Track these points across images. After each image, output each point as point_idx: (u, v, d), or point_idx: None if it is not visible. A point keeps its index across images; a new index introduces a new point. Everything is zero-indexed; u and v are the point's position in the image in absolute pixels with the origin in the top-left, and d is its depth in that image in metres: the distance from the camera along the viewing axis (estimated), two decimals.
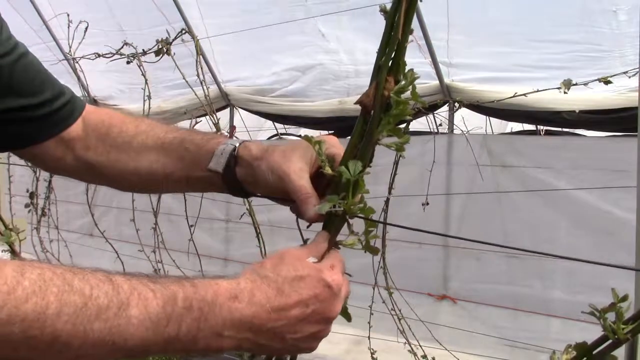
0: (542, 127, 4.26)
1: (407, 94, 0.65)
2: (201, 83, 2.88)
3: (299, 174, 0.72)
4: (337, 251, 0.71)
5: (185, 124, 4.94)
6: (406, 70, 0.62)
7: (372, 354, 2.80)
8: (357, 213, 0.69)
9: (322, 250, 0.69)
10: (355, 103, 0.64)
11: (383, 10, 0.62)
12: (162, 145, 0.86)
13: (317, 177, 0.75)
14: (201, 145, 0.83)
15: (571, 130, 3.87)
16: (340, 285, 0.65)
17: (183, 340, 0.57)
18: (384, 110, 0.65)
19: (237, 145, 0.82)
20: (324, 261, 0.67)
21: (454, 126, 3.86)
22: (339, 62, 4.14)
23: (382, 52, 0.62)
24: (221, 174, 0.80)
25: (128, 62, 3.10)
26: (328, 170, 0.66)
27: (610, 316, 0.74)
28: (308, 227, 0.73)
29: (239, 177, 0.80)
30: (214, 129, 3.15)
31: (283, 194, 0.75)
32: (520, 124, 4.45)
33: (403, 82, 0.61)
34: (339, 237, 0.73)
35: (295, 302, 0.62)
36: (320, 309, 0.63)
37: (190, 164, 0.83)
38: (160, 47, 2.79)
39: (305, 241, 0.73)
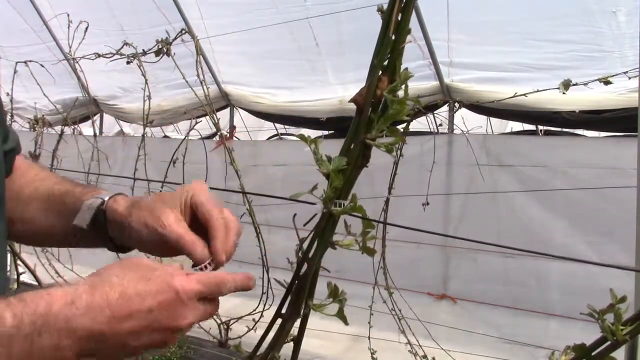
0: (541, 127, 4.26)
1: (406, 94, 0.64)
2: (201, 83, 2.88)
3: (177, 224, 0.70)
4: (224, 274, 0.66)
5: (185, 123, 4.94)
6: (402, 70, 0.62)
7: (372, 353, 2.80)
8: (332, 209, 0.67)
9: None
10: (349, 102, 0.64)
11: (380, 9, 0.62)
12: (48, 198, 0.83)
13: (194, 224, 0.73)
14: (78, 199, 0.79)
15: (571, 130, 3.87)
16: (190, 293, 0.60)
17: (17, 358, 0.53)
18: (381, 110, 0.65)
19: (107, 199, 0.77)
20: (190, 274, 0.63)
21: (454, 126, 3.86)
22: None
23: (377, 51, 0.62)
24: (86, 230, 0.76)
25: (128, 62, 3.10)
26: (323, 169, 0.65)
27: (609, 317, 0.74)
28: (305, 225, 0.73)
29: (111, 234, 0.76)
30: (214, 129, 3.15)
31: (159, 247, 0.72)
32: (520, 124, 4.45)
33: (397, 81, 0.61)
34: (337, 237, 0.72)
35: (137, 308, 0.57)
36: (164, 317, 0.59)
37: (68, 218, 0.78)
38: (160, 47, 2.79)
39: (301, 240, 0.72)
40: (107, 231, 0.76)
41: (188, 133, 3.24)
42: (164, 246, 0.71)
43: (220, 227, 0.71)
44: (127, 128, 6.92)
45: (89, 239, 0.79)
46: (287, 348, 0.77)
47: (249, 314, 2.98)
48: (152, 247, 0.74)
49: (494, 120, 4.30)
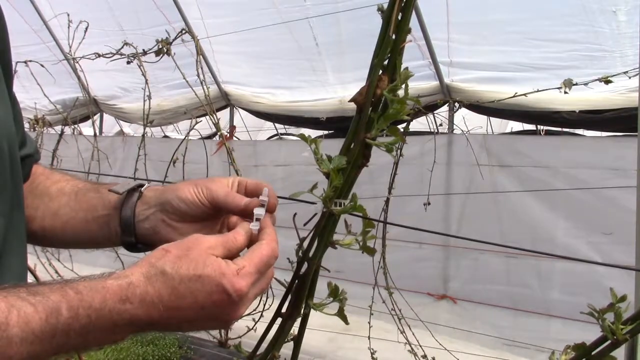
0: (542, 127, 4.26)
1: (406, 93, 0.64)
2: (201, 83, 2.88)
3: (225, 186, 0.76)
4: (263, 246, 0.67)
5: (185, 123, 4.95)
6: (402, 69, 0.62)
7: (372, 354, 2.80)
8: (332, 208, 0.67)
9: (237, 244, 0.66)
10: (350, 101, 0.64)
11: (380, 9, 0.62)
12: (77, 192, 0.85)
13: None
14: (110, 187, 0.83)
15: (571, 130, 3.87)
16: (241, 293, 0.62)
17: (74, 344, 0.57)
18: (381, 109, 0.65)
19: (147, 184, 0.83)
20: (238, 260, 0.64)
21: (454, 126, 3.86)
22: None
23: (377, 50, 0.62)
24: (123, 200, 0.79)
25: (128, 62, 3.10)
26: (323, 169, 0.65)
27: (610, 316, 0.74)
28: (305, 224, 0.73)
29: (138, 214, 0.79)
30: (214, 129, 3.15)
31: (197, 215, 0.76)
32: (520, 124, 4.45)
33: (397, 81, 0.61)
34: (337, 237, 0.72)
35: (189, 305, 0.61)
36: (215, 313, 0.62)
37: (95, 204, 0.82)
38: (160, 47, 2.79)
39: (301, 240, 0.72)
40: (135, 213, 0.79)
41: (188, 133, 3.24)
42: (202, 214, 0.75)
43: (271, 189, 0.76)
44: (127, 128, 6.92)
45: (99, 226, 0.81)
46: (288, 348, 0.77)
47: (249, 314, 2.98)
48: (186, 217, 0.76)
49: (494, 120, 4.31)
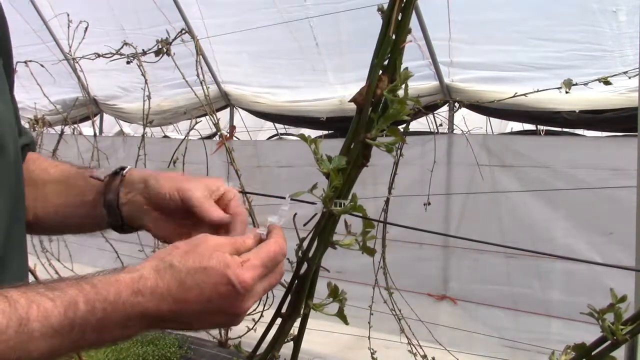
0: (542, 127, 4.27)
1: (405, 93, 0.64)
2: (201, 83, 2.88)
3: (210, 202, 0.76)
4: (270, 242, 0.67)
5: (185, 123, 4.95)
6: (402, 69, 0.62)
7: (372, 354, 2.80)
8: (332, 208, 0.67)
9: (245, 246, 0.67)
10: (350, 101, 0.64)
11: (380, 9, 0.62)
12: (67, 177, 0.87)
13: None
14: (93, 172, 0.85)
15: (571, 130, 3.87)
16: (247, 285, 0.62)
17: (90, 339, 0.59)
18: (381, 109, 0.65)
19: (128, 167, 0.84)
20: (244, 254, 0.65)
21: (454, 126, 3.87)
22: None
23: (377, 50, 0.62)
24: (105, 184, 0.81)
25: (128, 62, 3.09)
26: (323, 169, 0.65)
27: (610, 317, 0.74)
28: (305, 224, 0.73)
29: (122, 198, 0.81)
30: (214, 129, 3.15)
31: (172, 212, 0.77)
32: (520, 124, 4.45)
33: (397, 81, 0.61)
34: (337, 237, 0.72)
35: (196, 297, 0.61)
36: (222, 306, 0.63)
37: (84, 189, 0.84)
38: (160, 47, 2.79)
39: (301, 240, 0.72)
40: (119, 197, 0.81)
41: (188, 133, 3.24)
42: (177, 211, 0.77)
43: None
44: (127, 128, 6.92)
45: (87, 210, 0.83)
46: (288, 348, 0.77)
47: (249, 314, 2.98)
48: (163, 209, 0.78)
49: (494, 120, 4.31)
